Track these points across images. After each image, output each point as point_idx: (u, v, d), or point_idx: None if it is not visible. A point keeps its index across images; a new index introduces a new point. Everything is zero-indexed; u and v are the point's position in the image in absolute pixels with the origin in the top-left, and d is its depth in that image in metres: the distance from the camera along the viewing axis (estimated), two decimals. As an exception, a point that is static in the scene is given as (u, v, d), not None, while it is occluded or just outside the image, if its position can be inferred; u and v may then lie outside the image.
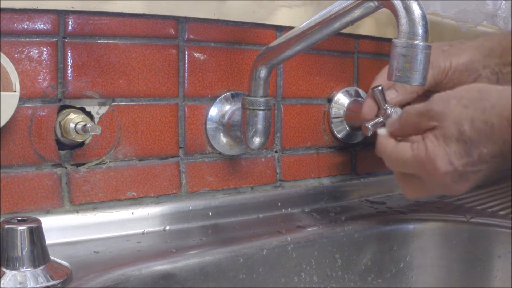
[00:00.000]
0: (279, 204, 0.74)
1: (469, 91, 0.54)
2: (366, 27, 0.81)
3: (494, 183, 0.94)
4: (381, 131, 0.61)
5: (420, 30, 0.49)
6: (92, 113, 0.61)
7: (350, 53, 0.81)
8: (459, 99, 0.53)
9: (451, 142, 0.53)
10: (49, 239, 0.49)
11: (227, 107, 0.69)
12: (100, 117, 0.61)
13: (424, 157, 0.54)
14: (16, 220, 0.46)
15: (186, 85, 0.67)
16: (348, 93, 0.80)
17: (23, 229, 0.45)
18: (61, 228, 0.58)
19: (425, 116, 0.55)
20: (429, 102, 0.55)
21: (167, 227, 0.65)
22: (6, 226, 0.45)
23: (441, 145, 0.53)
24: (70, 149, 0.60)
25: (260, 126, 0.63)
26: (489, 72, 0.70)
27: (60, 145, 0.59)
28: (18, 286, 0.45)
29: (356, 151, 0.84)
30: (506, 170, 1.01)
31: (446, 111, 0.53)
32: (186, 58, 0.66)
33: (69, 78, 0.59)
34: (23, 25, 0.56)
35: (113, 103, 0.62)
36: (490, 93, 0.52)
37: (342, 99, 0.80)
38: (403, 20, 0.49)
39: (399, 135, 0.59)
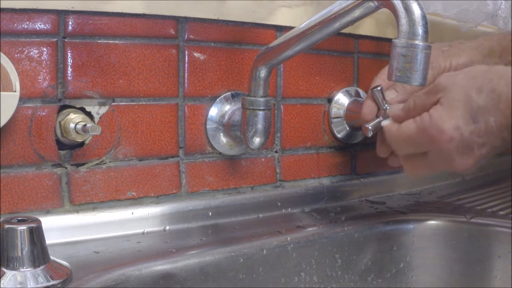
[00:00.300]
0: (279, 204, 0.74)
1: (476, 67, 0.56)
2: (366, 27, 0.81)
3: (494, 183, 0.94)
4: (385, 122, 0.62)
5: (420, 30, 0.49)
6: (92, 113, 0.61)
7: (350, 53, 0.81)
8: (466, 73, 0.55)
9: (458, 107, 0.53)
10: (49, 239, 0.49)
11: (227, 107, 0.69)
12: (100, 117, 0.61)
13: (428, 124, 0.54)
14: (16, 220, 0.46)
15: (186, 85, 0.67)
16: (348, 93, 0.80)
17: (23, 229, 0.45)
18: (61, 228, 0.58)
19: (431, 92, 0.55)
20: (437, 80, 0.56)
21: (167, 227, 0.65)
22: (6, 226, 0.45)
23: (446, 110, 0.53)
24: (70, 149, 0.60)
25: (260, 126, 0.63)
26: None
27: (60, 145, 0.59)
28: (18, 286, 0.45)
29: (356, 151, 0.84)
30: (506, 170, 1.01)
31: (453, 82, 0.54)
32: (186, 58, 0.66)
33: (69, 78, 0.59)
34: (23, 25, 0.56)
35: (113, 103, 0.62)
36: (497, 68, 0.54)
37: (342, 99, 0.80)
38: (403, 20, 0.49)
39: (404, 119, 0.59)
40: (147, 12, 0.62)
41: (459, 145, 0.54)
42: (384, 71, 0.70)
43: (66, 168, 0.60)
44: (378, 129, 0.65)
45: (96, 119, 0.61)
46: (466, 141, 0.53)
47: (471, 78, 0.53)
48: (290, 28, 0.63)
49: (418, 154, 0.59)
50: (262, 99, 0.63)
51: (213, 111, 0.68)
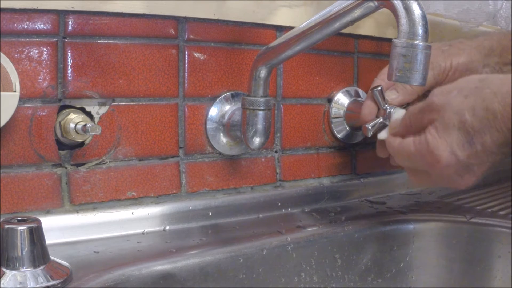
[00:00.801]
0: (279, 204, 0.74)
1: (469, 81, 0.54)
2: (366, 27, 0.81)
3: (494, 183, 0.94)
4: (381, 135, 0.62)
5: (420, 30, 0.49)
6: (92, 113, 0.61)
7: (350, 53, 0.81)
8: (459, 90, 0.53)
9: (452, 132, 0.52)
10: (49, 239, 0.49)
11: (227, 107, 0.69)
12: (100, 117, 0.61)
13: (425, 150, 0.54)
14: (16, 220, 0.46)
15: (186, 85, 0.67)
16: (348, 93, 0.80)
17: (23, 229, 0.45)
18: (61, 228, 0.58)
19: (426, 110, 0.55)
20: (430, 96, 0.55)
21: (167, 227, 0.65)
22: (6, 226, 0.45)
23: (441, 136, 0.53)
24: (70, 149, 0.60)
25: (260, 126, 0.63)
26: (489, 71, 0.70)
27: (60, 145, 0.59)
28: (18, 286, 0.45)
29: (356, 151, 0.84)
30: (506, 170, 1.01)
31: (446, 102, 0.53)
32: (186, 58, 0.66)
33: (69, 78, 0.59)
34: (23, 25, 0.56)
35: (113, 103, 0.62)
36: (491, 81, 0.52)
37: (342, 99, 0.80)
38: (403, 20, 0.49)
39: (403, 134, 0.59)
40: (147, 12, 0.62)
41: (458, 169, 0.53)
42: (384, 71, 0.70)
43: (66, 168, 0.60)
44: (378, 129, 0.65)
45: (96, 119, 0.61)
46: (464, 164, 0.53)
47: (464, 96, 0.52)
48: (290, 28, 0.63)
49: (422, 170, 0.58)
50: (262, 99, 0.63)
51: (213, 111, 0.68)
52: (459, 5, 0.98)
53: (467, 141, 0.51)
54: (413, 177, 0.61)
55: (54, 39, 0.58)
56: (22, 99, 0.56)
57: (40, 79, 0.57)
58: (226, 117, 0.68)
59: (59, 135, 0.58)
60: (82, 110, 0.60)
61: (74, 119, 0.57)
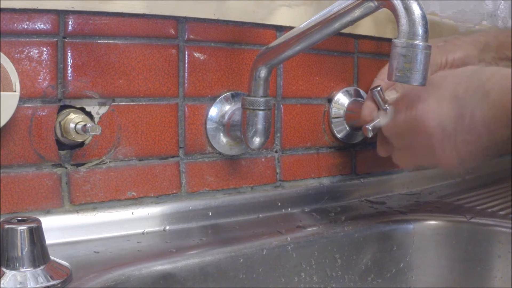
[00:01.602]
0: (279, 204, 0.74)
1: (464, 71, 0.57)
2: (366, 27, 0.81)
3: (494, 183, 0.94)
4: (383, 121, 0.63)
5: (420, 30, 0.49)
6: (92, 113, 0.61)
7: (350, 53, 0.81)
8: (453, 76, 0.57)
9: (443, 103, 0.54)
10: (49, 239, 0.49)
11: (227, 107, 0.69)
12: (100, 117, 0.61)
13: (413, 117, 0.56)
14: (16, 220, 0.46)
15: (186, 85, 0.67)
16: (348, 93, 0.80)
17: (23, 229, 0.45)
18: (61, 228, 0.58)
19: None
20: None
21: (167, 227, 0.65)
22: (6, 226, 0.45)
23: (431, 105, 0.55)
24: (70, 149, 0.60)
25: (260, 126, 0.63)
26: (485, 66, 0.70)
27: (60, 145, 0.59)
28: (18, 286, 0.45)
29: (356, 151, 0.84)
30: (506, 170, 1.01)
31: (443, 80, 0.56)
32: (186, 58, 0.66)
33: (69, 78, 0.59)
34: (23, 25, 0.56)
35: (113, 103, 0.62)
36: (483, 72, 0.55)
37: (342, 99, 0.80)
38: (403, 20, 0.49)
39: (398, 104, 0.62)
40: (147, 12, 0.62)
41: (442, 142, 0.55)
42: (384, 71, 0.70)
43: (66, 168, 0.60)
44: (378, 129, 0.65)
45: (96, 119, 0.61)
46: (448, 136, 0.54)
47: (462, 77, 0.54)
48: (290, 28, 0.63)
49: (410, 147, 0.60)
50: (262, 99, 0.63)
51: (213, 111, 0.69)
52: (454, 6, 0.98)
53: (456, 114, 0.53)
54: (400, 155, 0.63)
55: (54, 39, 0.58)
56: (22, 99, 0.56)
57: (40, 79, 0.57)
58: (226, 117, 0.68)
59: (59, 135, 0.58)
60: (82, 110, 0.60)
61: (74, 119, 0.57)
